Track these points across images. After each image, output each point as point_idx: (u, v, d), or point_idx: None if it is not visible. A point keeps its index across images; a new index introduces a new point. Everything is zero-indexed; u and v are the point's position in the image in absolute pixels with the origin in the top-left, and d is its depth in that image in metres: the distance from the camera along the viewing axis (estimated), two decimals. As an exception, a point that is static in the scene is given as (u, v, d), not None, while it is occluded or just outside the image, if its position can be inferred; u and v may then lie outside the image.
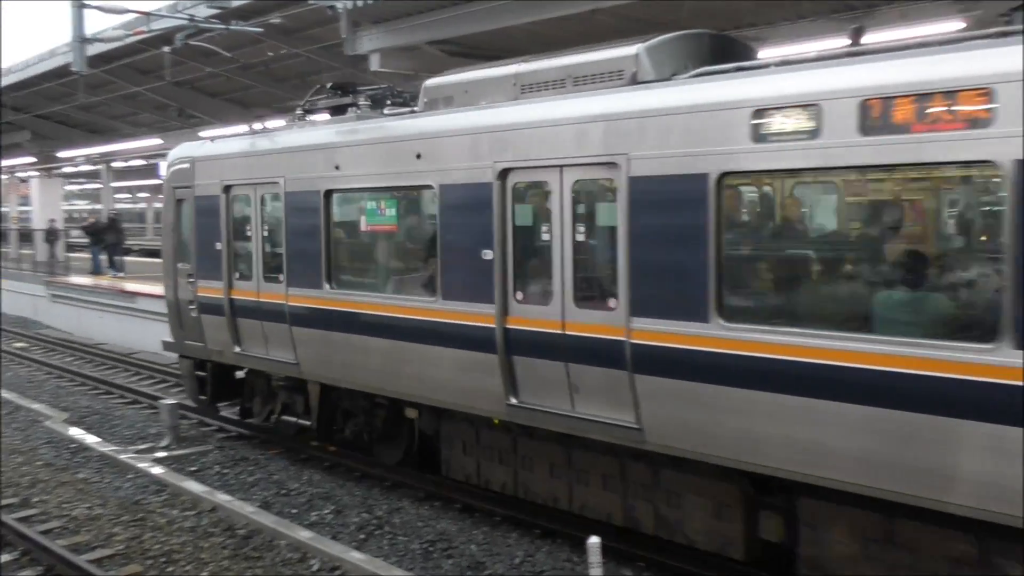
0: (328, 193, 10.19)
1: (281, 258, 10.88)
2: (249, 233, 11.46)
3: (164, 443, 12.82)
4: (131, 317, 22.57)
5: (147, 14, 16.71)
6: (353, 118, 10.52)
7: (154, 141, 30.44)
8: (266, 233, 11.25)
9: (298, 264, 10.62)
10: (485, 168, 8.38)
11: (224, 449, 12.58)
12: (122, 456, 11.99)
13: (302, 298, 10.57)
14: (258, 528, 9.31)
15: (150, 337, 22.00)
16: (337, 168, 10.03)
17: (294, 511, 10.03)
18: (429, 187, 8.94)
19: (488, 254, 8.35)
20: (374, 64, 17.21)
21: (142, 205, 69.13)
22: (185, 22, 16.41)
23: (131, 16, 17.62)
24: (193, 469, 11.63)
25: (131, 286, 23.42)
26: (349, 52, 17.00)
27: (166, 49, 17.84)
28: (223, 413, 13.65)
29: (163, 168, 13.84)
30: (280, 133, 11.44)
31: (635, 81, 7.74)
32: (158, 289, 21.90)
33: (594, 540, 6.50)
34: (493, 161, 8.31)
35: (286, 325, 10.81)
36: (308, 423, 11.46)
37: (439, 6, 15.07)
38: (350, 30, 16.40)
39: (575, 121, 7.76)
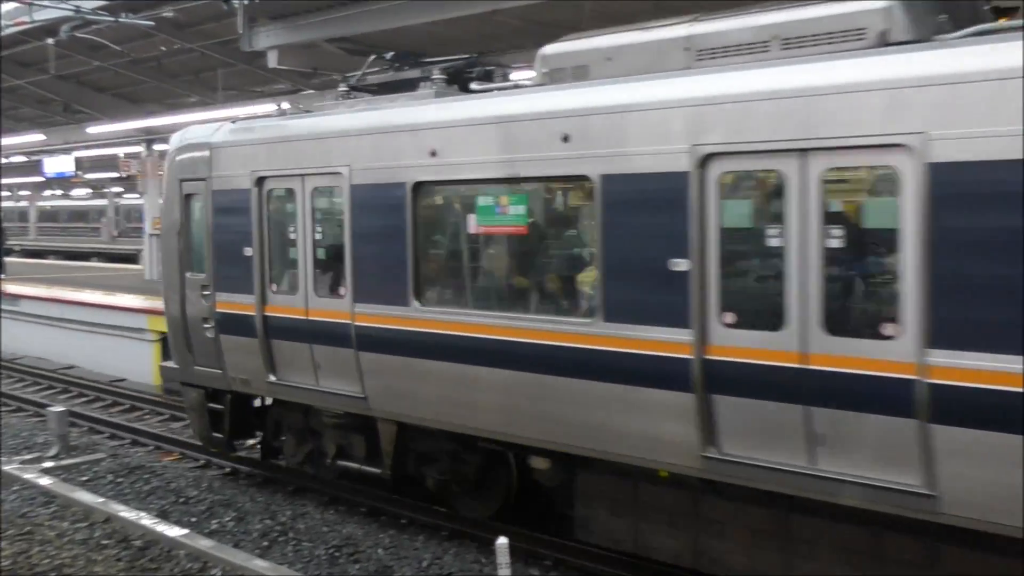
0: (418, 186, 8.25)
1: (342, 267, 8.90)
2: (293, 235, 9.43)
3: (52, 452, 12.33)
4: (15, 321, 21.67)
5: (29, 3, 16.03)
6: (430, 94, 8.69)
7: (37, 137, 29.27)
8: (320, 235, 9.28)
9: (371, 275, 8.66)
10: (678, 153, 6.57)
11: (118, 457, 12.16)
12: (6, 467, 11.50)
13: (377, 317, 8.61)
14: (155, 539, 9.07)
15: (37, 341, 21.19)
16: (433, 154, 8.07)
17: (193, 520, 9.78)
18: (583, 178, 7.17)
19: (679, 264, 6.58)
20: (272, 61, 16.92)
21: (24, 204, 66.31)
22: (71, 13, 15.80)
23: (12, 5, 16.89)
24: (84, 479, 11.23)
25: (14, 288, 22.46)
26: (246, 48, 16.67)
27: (50, 41, 17.18)
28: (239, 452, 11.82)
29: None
30: (342, 111, 9.28)
31: (885, 42, 6.14)
32: (44, 292, 21.17)
33: (502, 541, 6.51)
34: (691, 144, 6.51)
35: (350, 350, 8.85)
36: (376, 471, 9.42)
37: (338, 3, 14.89)
38: (247, 26, 16.07)
39: (831, 90, 5.93)
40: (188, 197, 10.51)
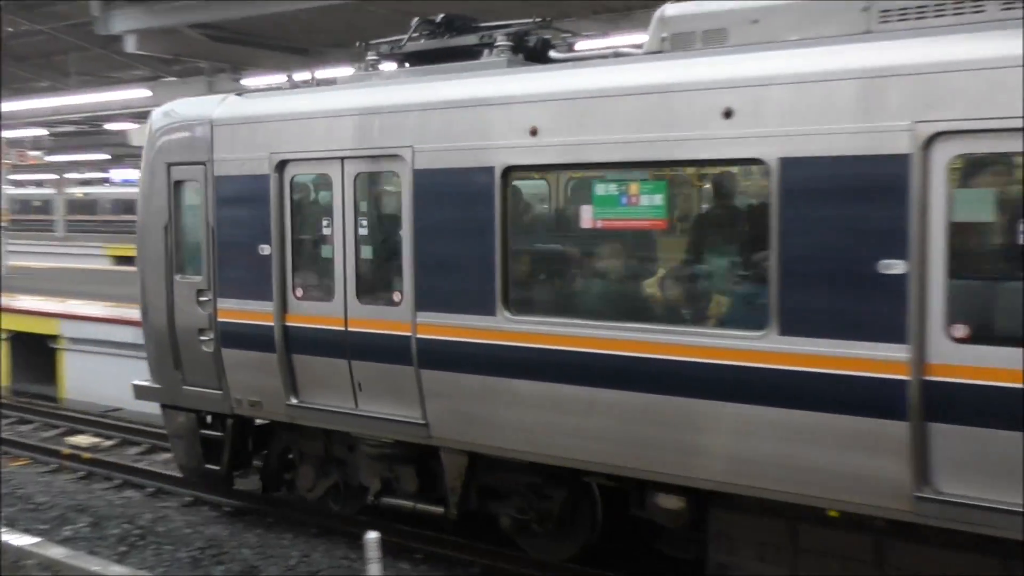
0: (510, 171, 7.01)
1: (398, 269, 7.62)
2: (327, 230, 8.03)
3: None
4: None
5: None
6: (501, 63, 7.52)
7: None
8: (366, 230, 7.93)
9: (440, 278, 7.40)
10: (895, 132, 5.55)
11: (-43, 465, 11.51)
12: None
13: (448, 329, 7.34)
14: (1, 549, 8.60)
15: None
16: (534, 133, 6.83)
17: (44, 527, 9.32)
18: (753, 161, 6.08)
19: (894, 266, 5.59)
20: (129, 46, 16.25)
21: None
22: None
23: None
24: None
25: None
26: (101, 32, 15.96)
27: None
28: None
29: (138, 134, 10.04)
30: (401, 81, 7.90)
31: None
32: None
33: (372, 535, 6.46)
34: (912, 121, 5.51)
35: (407, 367, 7.58)
36: (437, 510, 8.11)
37: (202, -13, 14.44)
38: (102, 8, 15.40)
39: None
40: (178, 184, 8.97)
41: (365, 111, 7.76)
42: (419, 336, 7.48)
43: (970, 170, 5.60)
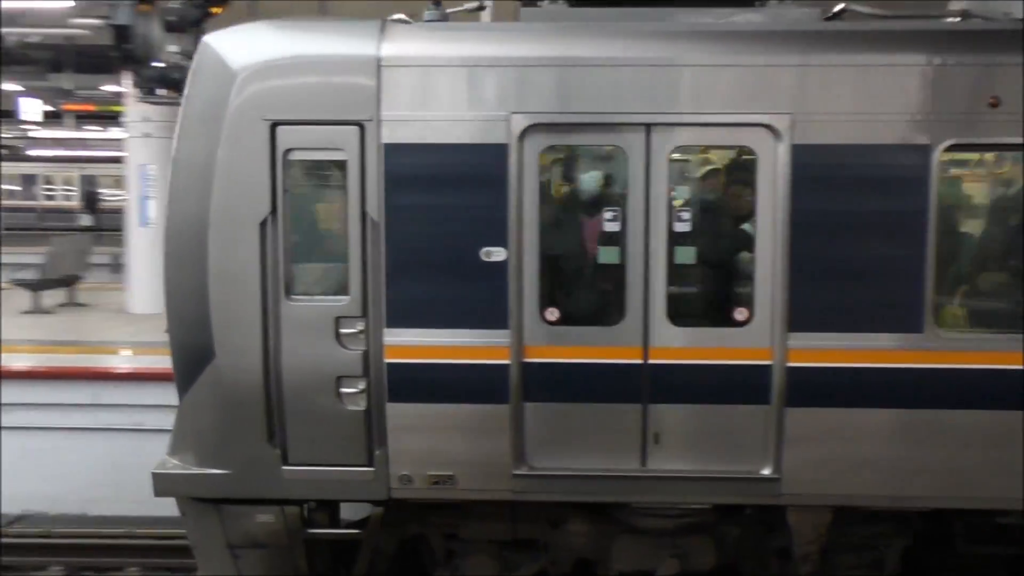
0: (951, 149, 6.24)
1: (741, 276, 6.48)
2: (612, 223, 6.45)
3: None
4: None
5: None
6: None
7: None
8: (686, 224, 6.40)
9: (827, 287, 6.31)
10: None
11: None
12: None
13: (840, 353, 6.33)
14: None
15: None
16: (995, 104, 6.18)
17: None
18: None
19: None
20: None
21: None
22: None
23: None
24: None
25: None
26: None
27: None
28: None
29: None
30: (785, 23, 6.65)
31: None
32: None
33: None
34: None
35: (759, 407, 6.38)
36: None
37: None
38: None
39: None
40: (289, 156, 6.38)
41: (708, 65, 6.32)
42: (790, 365, 6.36)
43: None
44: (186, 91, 6.49)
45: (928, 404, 6.30)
